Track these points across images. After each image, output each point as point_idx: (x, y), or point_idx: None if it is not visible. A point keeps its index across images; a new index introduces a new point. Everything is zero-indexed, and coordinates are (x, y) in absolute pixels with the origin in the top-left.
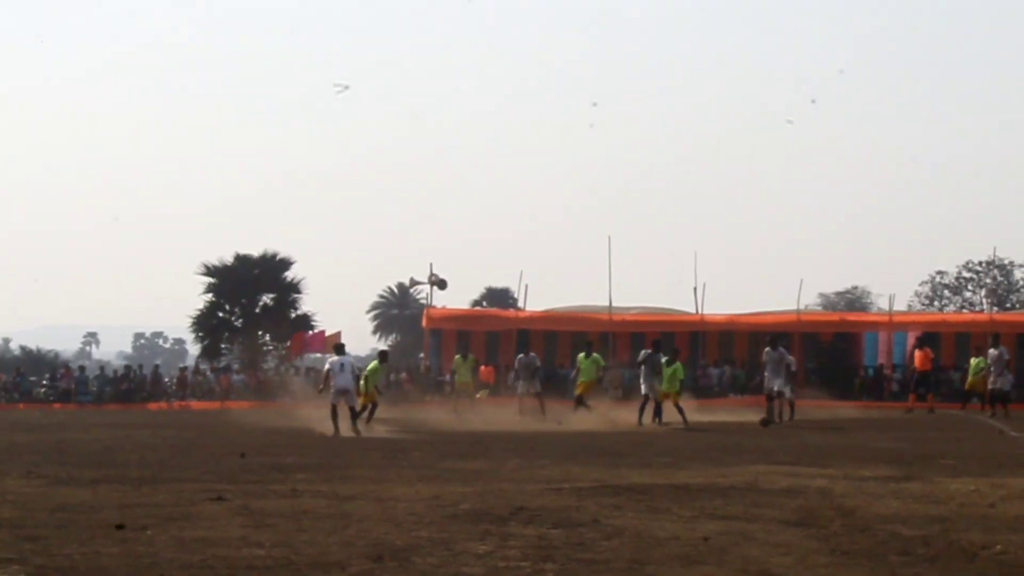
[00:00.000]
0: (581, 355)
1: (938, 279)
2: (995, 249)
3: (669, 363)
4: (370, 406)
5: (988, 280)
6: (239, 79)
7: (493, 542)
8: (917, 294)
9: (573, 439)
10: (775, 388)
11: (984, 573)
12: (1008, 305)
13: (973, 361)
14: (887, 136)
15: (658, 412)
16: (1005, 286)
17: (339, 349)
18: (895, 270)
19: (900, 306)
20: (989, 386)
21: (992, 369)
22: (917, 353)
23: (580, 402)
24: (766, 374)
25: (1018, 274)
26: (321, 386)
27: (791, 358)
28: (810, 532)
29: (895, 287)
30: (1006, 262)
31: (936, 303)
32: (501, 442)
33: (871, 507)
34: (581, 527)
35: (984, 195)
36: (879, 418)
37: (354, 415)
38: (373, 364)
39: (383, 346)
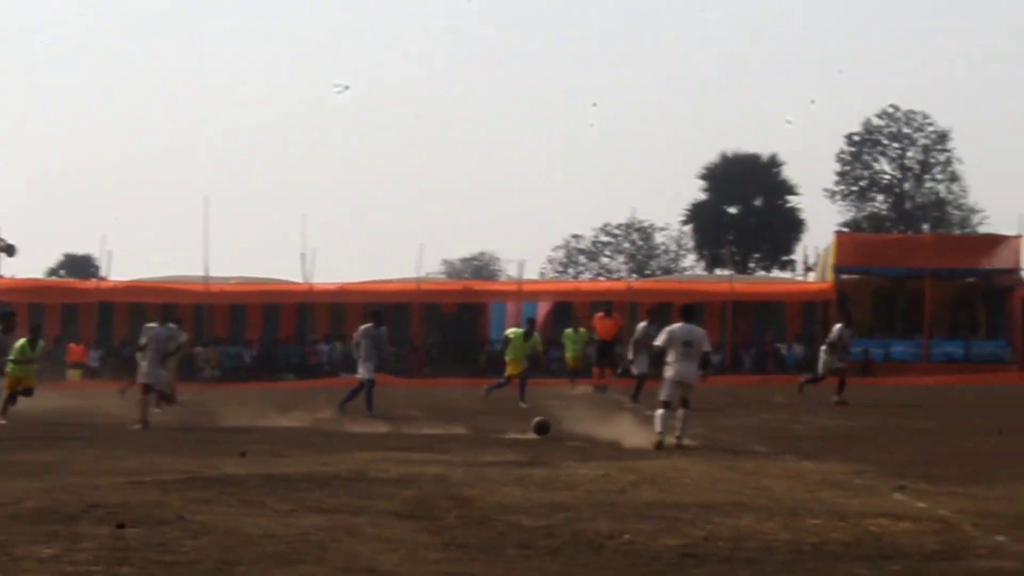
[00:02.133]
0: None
1: (573, 243)
2: (634, 210)
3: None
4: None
5: (627, 244)
6: None
7: (61, 544)
8: (550, 260)
9: (159, 427)
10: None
11: (609, 565)
12: (648, 272)
13: (568, 332)
14: (514, 92)
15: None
16: (645, 251)
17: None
18: (526, 234)
19: (531, 274)
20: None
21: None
22: (604, 320)
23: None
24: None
25: (659, 238)
26: None
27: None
28: (423, 525)
29: (526, 252)
30: (646, 225)
31: (571, 270)
32: (75, 430)
33: (491, 496)
34: (163, 525)
35: (622, 152)
36: (506, 398)
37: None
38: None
39: None
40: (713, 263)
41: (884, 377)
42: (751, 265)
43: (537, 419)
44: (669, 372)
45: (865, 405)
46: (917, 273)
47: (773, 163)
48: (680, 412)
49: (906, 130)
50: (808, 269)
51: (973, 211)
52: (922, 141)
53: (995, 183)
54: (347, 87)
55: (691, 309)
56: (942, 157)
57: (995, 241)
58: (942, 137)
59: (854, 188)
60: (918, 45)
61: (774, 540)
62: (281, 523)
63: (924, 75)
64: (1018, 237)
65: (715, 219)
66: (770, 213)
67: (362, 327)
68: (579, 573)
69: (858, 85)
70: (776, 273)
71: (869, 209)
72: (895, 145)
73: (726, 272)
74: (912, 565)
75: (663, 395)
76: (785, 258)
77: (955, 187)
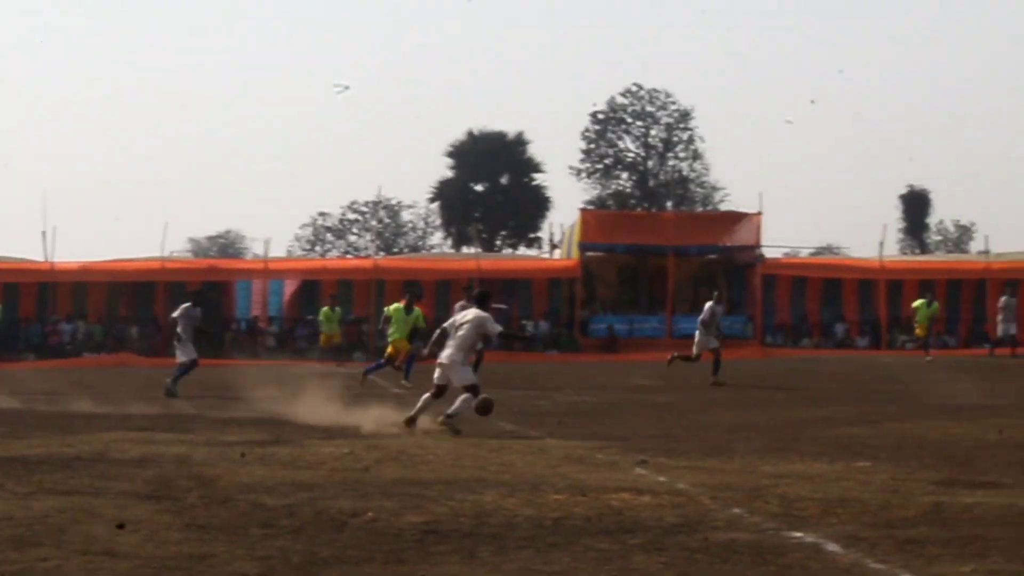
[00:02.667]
0: None
1: (320, 221)
2: (380, 188)
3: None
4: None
5: (374, 222)
6: None
7: None
8: (297, 238)
9: None
10: None
11: (352, 543)
12: (395, 250)
13: (325, 310)
14: (255, 69)
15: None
16: (392, 228)
17: None
18: (273, 212)
19: (278, 252)
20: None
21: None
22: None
23: None
24: None
25: (407, 215)
26: None
27: None
28: (163, 506)
29: (273, 230)
30: (393, 202)
31: (318, 248)
32: None
33: (233, 475)
34: None
35: (368, 128)
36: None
37: None
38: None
39: None
40: (460, 241)
41: (628, 353)
42: (498, 243)
43: (482, 397)
44: (441, 355)
45: (609, 381)
46: (660, 250)
47: (519, 141)
48: (463, 395)
49: (649, 108)
50: (554, 247)
51: (715, 188)
52: (665, 119)
53: (736, 161)
54: (347, 87)
55: (483, 296)
56: (685, 135)
57: (736, 218)
58: (684, 116)
59: (599, 166)
60: (661, 24)
61: (516, 515)
62: (19, 506)
63: (667, 54)
64: (758, 214)
65: (462, 197)
66: (516, 191)
67: (181, 307)
68: (322, 551)
69: (602, 63)
70: (523, 251)
71: (614, 187)
72: (639, 123)
73: (473, 250)
74: (652, 538)
75: (434, 377)
76: (532, 236)
77: (697, 165)
